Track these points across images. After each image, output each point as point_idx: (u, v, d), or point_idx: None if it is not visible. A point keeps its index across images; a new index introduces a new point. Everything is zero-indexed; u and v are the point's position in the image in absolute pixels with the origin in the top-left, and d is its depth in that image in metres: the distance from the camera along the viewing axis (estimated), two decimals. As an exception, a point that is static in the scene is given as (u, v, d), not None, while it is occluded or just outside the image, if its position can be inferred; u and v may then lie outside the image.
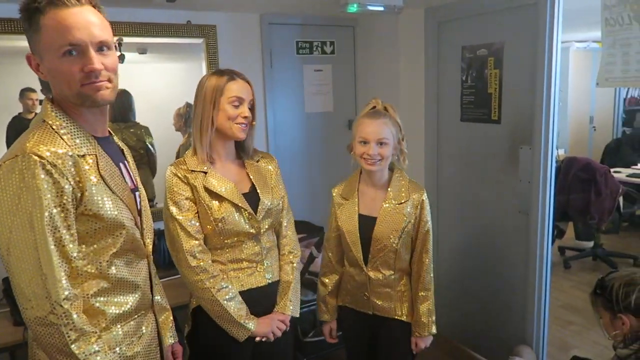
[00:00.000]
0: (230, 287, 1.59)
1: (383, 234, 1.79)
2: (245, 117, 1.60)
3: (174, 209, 1.56)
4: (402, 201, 1.82)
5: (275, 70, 3.09)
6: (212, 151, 1.63)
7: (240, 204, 1.59)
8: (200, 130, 1.59)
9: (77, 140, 1.13)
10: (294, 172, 3.16)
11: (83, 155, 1.11)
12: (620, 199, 4.14)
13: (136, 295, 1.26)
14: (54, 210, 1.04)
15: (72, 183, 1.08)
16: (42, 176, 1.03)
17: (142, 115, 2.78)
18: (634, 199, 4.46)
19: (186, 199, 1.57)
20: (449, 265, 3.08)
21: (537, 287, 2.50)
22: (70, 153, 1.09)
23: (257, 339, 1.63)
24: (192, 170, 1.59)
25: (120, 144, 1.35)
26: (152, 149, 3.02)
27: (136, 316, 1.27)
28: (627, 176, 4.51)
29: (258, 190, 1.67)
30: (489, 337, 2.69)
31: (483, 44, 2.67)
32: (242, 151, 1.71)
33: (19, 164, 1.02)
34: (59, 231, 1.05)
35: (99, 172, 1.14)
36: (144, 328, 1.29)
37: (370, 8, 2.52)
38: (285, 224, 1.79)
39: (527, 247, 2.52)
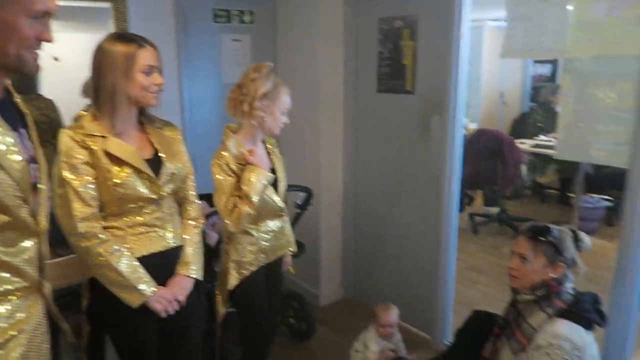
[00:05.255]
0: (123, 250, 1.56)
1: None
2: (158, 85, 1.58)
3: (68, 174, 1.49)
4: None
5: (191, 39, 2.98)
6: (116, 118, 1.57)
7: (141, 168, 1.56)
8: (111, 101, 1.53)
9: None
10: (212, 146, 3.07)
11: None
12: (524, 167, 4.47)
13: (13, 278, 1.16)
14: None
15: None
16: None
17: (49, 87, 2.60)
18: (536, 168, 4.83)
19: (84, 163, 1.51)
20: (367, 232, 3.20)
21: (444, 250, 2.66)
22: None
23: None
24: (91, 135, 1.53)
25: (23, 107, 1.25)
26: (58, 123, 2.83)
27: (15, 299, 1.17)
28: (532, 147, 4.86)
29: (161, 155, 1.64)
30: (403, 299, 2.83)
31: (399, 16, 2.73)
32: (143, 117, 1.67)
33: None
34: None
35: None
36: (19, 314, 1.18)
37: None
38: (191, 191, 1.78)
39: (437, 212, 2.66)
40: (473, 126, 5.61)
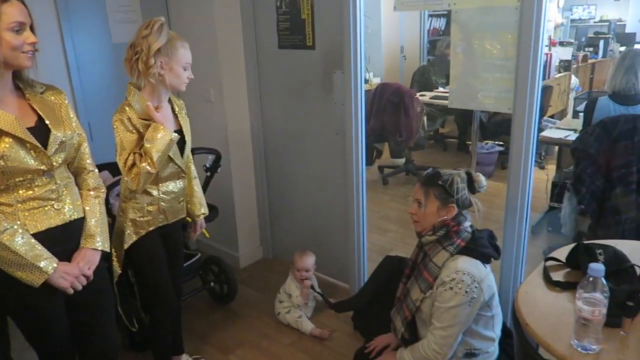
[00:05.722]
0: (15, 227, 1.43)
1: None
2: (32, 44, 1.42)
3: None
4: None
5: (70, -6, 2.70)
6: None
7: (24, 138, 1.42)
8: None
9: None
10: (105, 109, 2.84)
11: None
12: (425, 118, 4.68)
13: None
14: None
15: None
16: None
17: None
18: (436, 118, 5.08)
19: None
20: (280, 190, 3.21)
21: (356, 202, 2.73)
22: None
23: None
24: None
25: None
26: None
27: None
28: (430, 98, 5.08)
29: (47, 122, 1.50)
30: (320, 252, 2.89)
31: (294, -32, 2.66)
32: (20, 80, 1.50)
33: None
34: None
35: None
36: None
37: None
38: (87, 160, 1.67)
39: (345, 166, 2.71)
40: (376, 80, 5.73)
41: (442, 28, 7.18)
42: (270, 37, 2.89)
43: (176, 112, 1.96)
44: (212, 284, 2.88)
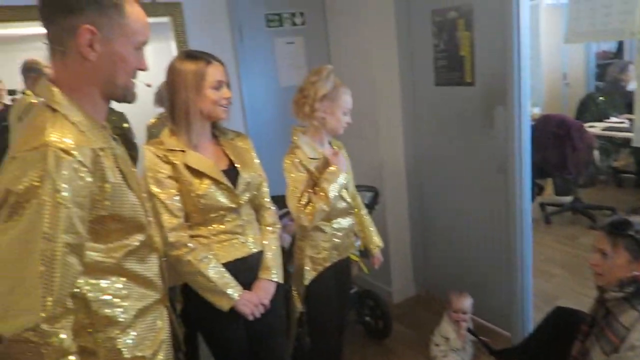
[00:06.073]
0: (211, 257, 1.63)
1: None
2: (227, 99, 1.65)
3: (155, 188, 1.58)
4: None
5: (247, 45, 3.03)
6: (192, 132, 1.65)
7: (220, 180, 1.63)
8: (185, 116, 1.61)
9: (95, 132, 1.09)
10: (273, 148, 3.10)
11: (102, 149, 1.08)
12: (596, 152, 4.22)
13: (150, 291, 1.23)
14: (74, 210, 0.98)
15: (94, 180, 1.03)
16: (66, 173, 0.96)
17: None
18: (609, 152, 4.55)
19: (168, 177, 1.60)
20: (434, 226, 3.15)
21: (519, 243, 2.56)
22: (92, 147, 1.04)
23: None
24: (171, 150, 1.61)
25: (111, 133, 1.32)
26: (131, 135, 2.96)
27: (153, 312, 1.25)
28: (602, 130, 4.58)
29: (237, 166, 1.71)
30: (479, 294, 2.75)
31: (452, 7, 2.66)
32: (216, 129, 1.74)
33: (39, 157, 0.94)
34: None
35: (119, 167, 1.12)
36: (159, 322, 1.27)
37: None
38: (266, 198, 1.84)
39: (508, 204, 2.57)
40: (536, 111, 5.35)
41: (614, 51, 6.48)
42: (426, 75, 2.90)
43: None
44: (367, 318, 2.91)
